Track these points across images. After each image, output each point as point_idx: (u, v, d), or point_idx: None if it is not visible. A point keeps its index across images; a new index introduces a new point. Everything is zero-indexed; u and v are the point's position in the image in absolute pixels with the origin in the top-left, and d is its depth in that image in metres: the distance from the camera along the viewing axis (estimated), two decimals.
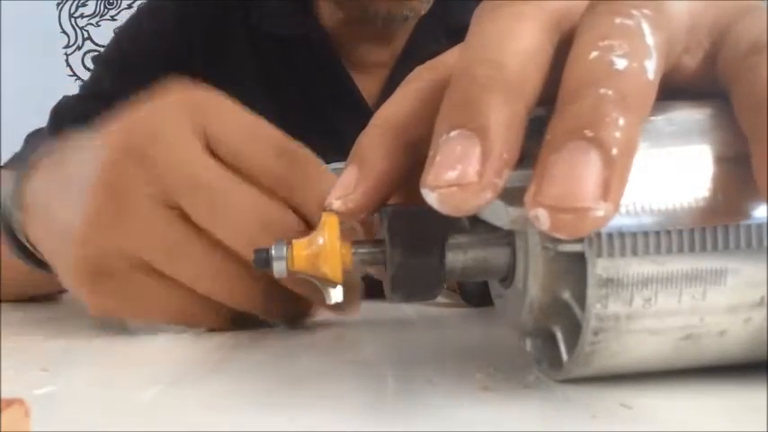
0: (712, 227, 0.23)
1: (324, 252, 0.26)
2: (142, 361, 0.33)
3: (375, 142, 0.27)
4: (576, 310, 0.24)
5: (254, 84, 0.72)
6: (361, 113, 0.68)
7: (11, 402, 0.19)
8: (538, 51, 0.23)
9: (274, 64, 0.72)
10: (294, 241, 0.26)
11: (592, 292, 0.23)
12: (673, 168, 0.24)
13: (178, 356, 0.34)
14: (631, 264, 0.23)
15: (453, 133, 0.21)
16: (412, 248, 0.25)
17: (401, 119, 0.27)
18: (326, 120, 0.71)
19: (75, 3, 2.11)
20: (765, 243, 0.23)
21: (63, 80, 2.05)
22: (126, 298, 0.36)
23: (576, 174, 0.20)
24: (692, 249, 0.23)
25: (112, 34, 0.82)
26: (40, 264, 0.41)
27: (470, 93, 0.22)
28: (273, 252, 0.26)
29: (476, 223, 0.26)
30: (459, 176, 0.21)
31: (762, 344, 0.25)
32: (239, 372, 0.31)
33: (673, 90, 0.24)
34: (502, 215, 0.25)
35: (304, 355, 0.34)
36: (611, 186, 0.20)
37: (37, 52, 2.04)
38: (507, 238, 0.26)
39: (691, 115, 0.25)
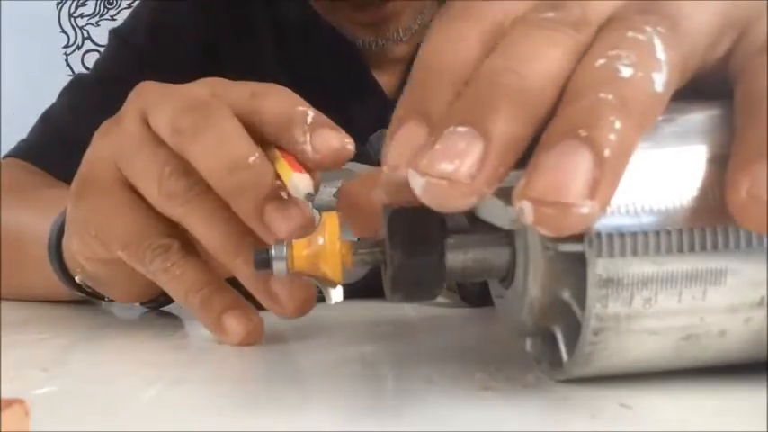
0: (712, 227, 0.23)
1: (324, 252, 0.26)
2: (142, 361, 0.33)
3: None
4: (576, 310, 0.24)
5: (279, 72, 0.70)
6: (379, 105, 0.67)
7: (11, 402, 0.19)
8: (560, 75, 0.23)
9: (296, 53, 0.71)
10: (294, 241, 0.26)
11: (592, 292, 0.23)
12: (673, 168, 0.24)
13: (178, 356, 0.34)
14: (631, 264, 0.23)
15: (461, 128, 0.21)
16: (412, 248, 0.25)
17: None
18: (345, 110, 0.69)
19: (75, 2, 2.10)
20: (765, 243, 0.23)
21: (63, 80, 2.05)
22: (98, 212, 0.37)
23: (563, 169, 0.20)
24: (691, 249, 0.23)
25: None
26: (80, 287, 0.44)
27: (490, 95, 0.22)
28: (273, 252, 0.26)
29: (476, 223, 0.26)
30: (452, 172, 0.21)
31: (762, 344, 0.25)
32: (239, 372, 0.31)
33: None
34: (502, 215, 0.25)
35: (304, 356, 0.34)
36: (600, 186, 0.20)
37: (36, 52, 2.03)
38: (507, 238, 0.26)
39: (692, 115, 0.25)
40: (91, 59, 2.05)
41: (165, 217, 0.36)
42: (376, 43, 0.66)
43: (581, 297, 0.24)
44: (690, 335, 0.24)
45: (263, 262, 0.26)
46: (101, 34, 2.08)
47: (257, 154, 0.33)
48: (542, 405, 0.25)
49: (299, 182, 0.30)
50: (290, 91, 0.36)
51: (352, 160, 0.48)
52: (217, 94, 0.36)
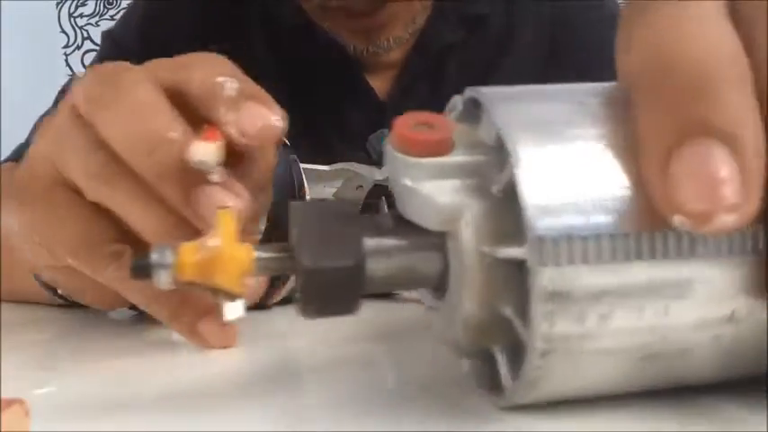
0: (676, 230, 0.19)
1: (218, 258, 0.21)
2: (142, 361, 0.32)
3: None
4: (520, 328, 0.20)
5: (273, 75, 0.69)
6: (372, 108, 0.67)
7: (11, 402, 0.19)
8: None
9: (290, 56, 0.70)
10: (182, 245, 0.22)
11: (536, 307, 0.19)
12: (633, 158, 0.19)
13: (178, 357, 0.33)
14: (582, 274, 0.19)
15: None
16: (324, 252, 0.21)
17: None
18: (338, 115, 0.69)
19: (75, 2, 2.10)
20: (736, 250, 0.19)
21: (62, 80, 2.04)
22: (40, 217, 0.34)
23: None
24: (652, 256, 0.19)
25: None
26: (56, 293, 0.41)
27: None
28: (154, 258, 0.22)
29: (402, 223, 0.22)
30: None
31: (734, 363, 0.20)
32: (239, 372, 0.30)
33: None
34: (429, 213, 0.21)
35: (303, 356, 0.33)
36: None
37: (36, 52, 2.02)
38: (439, 241, 0.22)
39: None
40: (90, 59, 2.04)
41: (113, 218, 0.33)
42: (367, 50, 0.66)
43: (525, 313, 0.20)
44: (651, 354, 0.20)
45: (143, 269, 0.22)
46: (100, 34, 2.07)
47: (180, 128, 0.29)
48: (541, 404, 0.22)
49: (195, 148, 0.27)
50: (219, 58, 0.32)
51: (351, 161, 0.46)
52: (141, 67, 0.32)
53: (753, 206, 0.17)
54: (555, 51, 0.69)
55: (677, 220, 0.18)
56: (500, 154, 0.20)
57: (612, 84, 0.22)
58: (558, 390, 0.21)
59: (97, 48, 2.05)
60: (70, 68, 2.09)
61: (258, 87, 0.31)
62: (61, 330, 0.40)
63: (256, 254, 0.22)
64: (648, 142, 0.18)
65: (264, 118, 0.29)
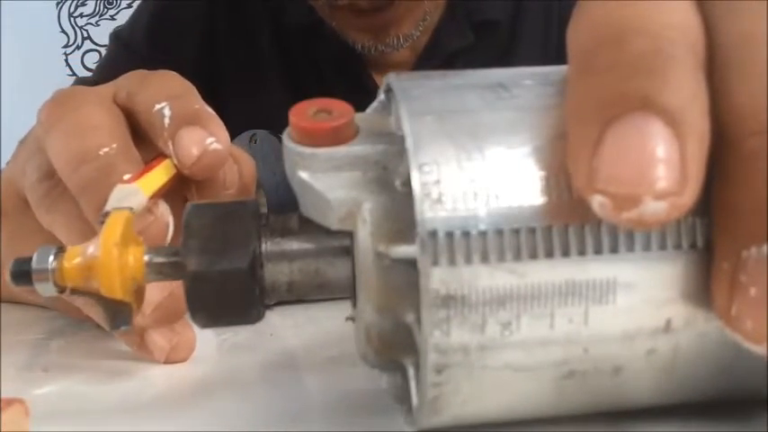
0: (594, 222, 0.17)
1: (96, 261, 0.20)
2: (142, 361, 0.32)
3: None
4: (417, 338, 0.18)
5: (279, 73, 0.73)
6: None
7: (11, 402, 0.20)
8: None
9: (297, 57, 0.72)
10: (70, 248, 0.21)
11: (428, 313, 0.17)
12: (541, 144, 0.18)
13: None
14: (481, 274, 0.17)
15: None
16: (212, 255, 0.20)
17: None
18: None
19: (75, 2, 2.11)
20: (669, 246, 0.17)
21: (62, 80, 2.05)
22: (10, 241, 0.36)
23: None
24: (565, 254, 0.17)
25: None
26: None
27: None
28: (35, 262, 0.20)
29: (309, 224, 0.21)
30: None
31: (676, 385, 0.19)
32: (238, 372, 0.30)
33: None
34: (325, 210, 0.19)
35: (303, 356, 0.33)
36: None
37: (36, 52, 2.04)
38: (346, 242, 0.20)
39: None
40: (90, 59, 2.06)
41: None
42: (375, 48, 0.66)
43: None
44: (572, 371, 0.18)
45: (23, 275, 0.20)
46: (100, 34, 2.09)
47: (114, 145, 0.29)
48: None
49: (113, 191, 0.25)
50: (167, 77, 0.32)
51: None
52: (97, 88, 0.33)
53: (688, 199, 0.16)
54: (563, 52, 0.69)
55: (597, 202, 0.16)
56: (405, 143, 0.19)
57: (557, 67, 0.20)
58: (466, 413, 0.19)
59: (97, 47, 2.08)
60: (70, 68, 2.10)
61: (198, 107, 0.30)
62: (61, 331, 0.40)
63: (148, 257, 0.21)
64: (580, 115, 0.17)
65: (200, 144, 0.28)
